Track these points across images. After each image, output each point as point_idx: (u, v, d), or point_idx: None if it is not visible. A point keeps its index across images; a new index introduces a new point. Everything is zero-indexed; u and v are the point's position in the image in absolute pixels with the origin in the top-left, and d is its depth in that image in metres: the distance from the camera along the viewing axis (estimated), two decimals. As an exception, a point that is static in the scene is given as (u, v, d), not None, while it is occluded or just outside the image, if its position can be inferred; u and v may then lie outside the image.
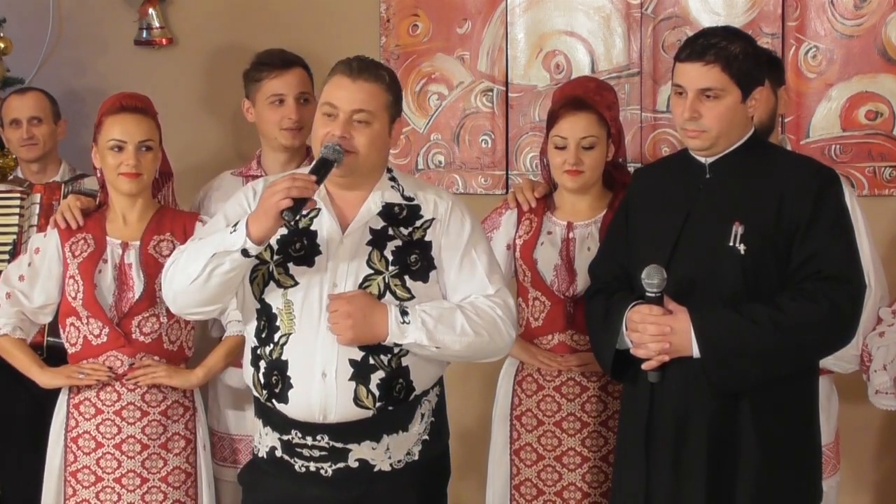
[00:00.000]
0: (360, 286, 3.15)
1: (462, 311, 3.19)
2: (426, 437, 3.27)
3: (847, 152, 4.49)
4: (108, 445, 3.66)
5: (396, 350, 3.16)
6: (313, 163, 3.14)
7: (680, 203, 3.30)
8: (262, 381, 3.19)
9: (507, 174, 4.86)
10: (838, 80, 4.48)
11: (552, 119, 3.75)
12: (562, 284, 3.73)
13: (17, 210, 4.31)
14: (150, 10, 5.23)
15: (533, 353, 3.76)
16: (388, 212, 3.22)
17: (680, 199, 3.31)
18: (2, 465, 4.49)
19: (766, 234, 3.20)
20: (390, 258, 3.18)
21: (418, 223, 3.24)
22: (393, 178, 3.30)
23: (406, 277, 3.18)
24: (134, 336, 3.64)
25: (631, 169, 3.91)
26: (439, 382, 3.34)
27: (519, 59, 4.84)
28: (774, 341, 3.12)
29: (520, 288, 3.83)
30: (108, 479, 3.67)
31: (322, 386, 3.12)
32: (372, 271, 3.17)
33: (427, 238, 3.23)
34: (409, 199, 3.27)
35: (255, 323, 3.21)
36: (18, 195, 4.35)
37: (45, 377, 3.74)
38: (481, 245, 3.30)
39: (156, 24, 5.24)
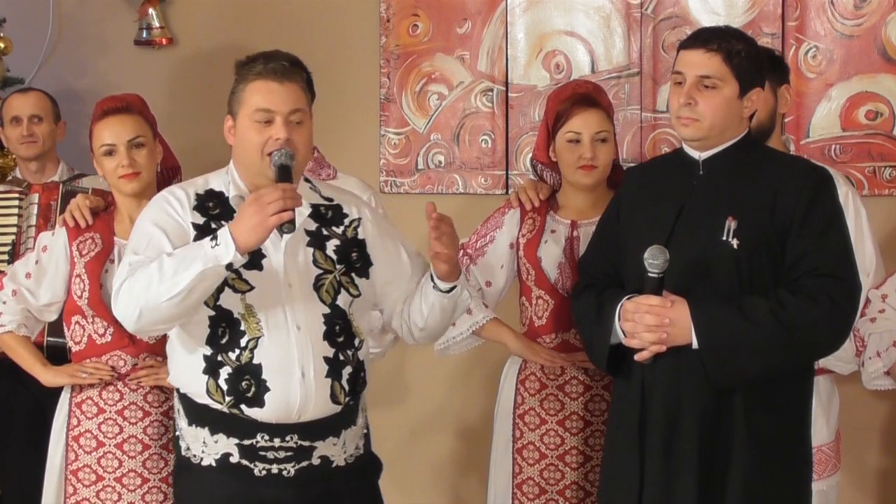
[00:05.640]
0: (315, 286, 3.18)
1: None
2: (365, 429, 3.34)
3: (847, 152, 4.50)
4: (110, 445, 3.65)
5: (356, 343, 3.21)
6: (276, 173, 3.09)
7: (673, 198, 3.30)
8: (227, 387, 3.16)
9: (507, 174, 4.86)
10: (838, 80, 4.50)
11: (561, 117, 3.71)
12: (566, 282, 3.72)
13: (15, 210, 4.30)
14: (150, 10, 5.23)
15: (536, 350, 3.76)
16: (316, 213, 3.25)
17: (673, 194, 3.31)
18: (2, 463, 4.50)
19: (759, 230, 3.20)
20: (335, 257, 3.22)
21: (346, 222, 3.28)
22: (307, 180, 3.32)
23: (353, 275, 3.23)
24: (138, 336, 3.64)
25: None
26: None
27: (519, 59, 4.85)
28: (775, 337, 3.12)
29: (523, 287, 3.83)
30: (109, 479, 3.66)
31: (301, 385, 3.14)
32: (321, 271, 3.20)
33: (360, 237, 3.28)
34: (329, 199, 3.30)
35: (206, 330, 3.17)
36: (17, 195, 4.34)
37: (48, 375, 3.73)
38: (397, 232, 3.38)
39: (156, 24, 5.25)
